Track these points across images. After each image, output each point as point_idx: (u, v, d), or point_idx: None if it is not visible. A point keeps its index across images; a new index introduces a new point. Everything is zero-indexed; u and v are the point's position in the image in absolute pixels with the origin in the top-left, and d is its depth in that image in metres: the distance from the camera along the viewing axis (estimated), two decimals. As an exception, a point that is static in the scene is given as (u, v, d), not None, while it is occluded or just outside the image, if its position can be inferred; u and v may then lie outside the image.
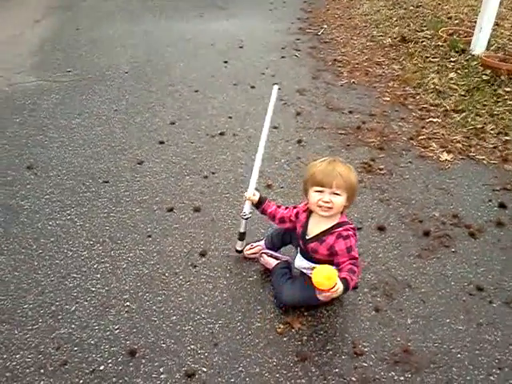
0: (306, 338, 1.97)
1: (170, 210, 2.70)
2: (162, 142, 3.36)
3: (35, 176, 2.97)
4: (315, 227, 1.97)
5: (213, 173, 3.04)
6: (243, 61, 4.80)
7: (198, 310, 2.09)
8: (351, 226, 1.95)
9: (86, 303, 2.11)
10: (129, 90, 4.11)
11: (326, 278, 1.75)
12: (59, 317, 2.05)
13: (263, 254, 2.29)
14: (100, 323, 2.02)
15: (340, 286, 1.77)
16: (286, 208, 2.16)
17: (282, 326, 2.01)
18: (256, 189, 2.29)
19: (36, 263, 2.32)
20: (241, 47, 5.15)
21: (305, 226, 2.01)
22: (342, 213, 1.96)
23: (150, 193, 2.84)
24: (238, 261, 2.36)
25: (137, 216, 2.65)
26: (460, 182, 2.96)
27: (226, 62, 4.78)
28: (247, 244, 2.38)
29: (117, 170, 3.04)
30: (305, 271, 2.08)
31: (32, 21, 5.84)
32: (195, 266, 2.32)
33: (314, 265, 1.92)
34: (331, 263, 1.91)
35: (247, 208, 2.26)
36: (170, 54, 4.92)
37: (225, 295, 2.17)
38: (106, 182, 2.92)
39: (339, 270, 1.87)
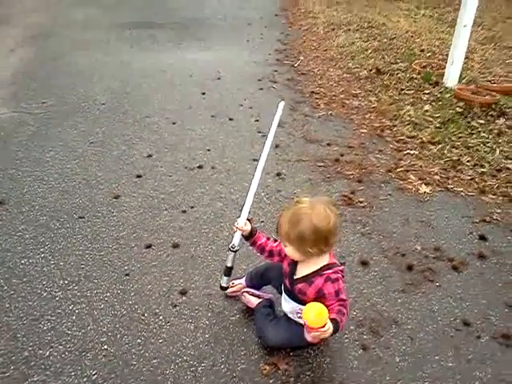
0: (293, 379, 1.91)
1: (148, 246, 2.63)
2: (139, 176, 3.29)
3: (6, 212, 2.86)
4: (304, 267, 1.91)
5: (191, 207, 2.98)
6: (221, 92, 4.80)
7: (179, 353, 2.01)
8: (340, 268, 1.89)
9: (60, 347, 2.02)
10: (105, 122, 4.05)
11: (317, 315, 1.69)
12: (32, 363, 1.95)
13: (244, 293, 2.23)
14: (76, 369, 1.93)
15: (330, 327, 1.72)
16: (276, 241, 2.07)
17: (267, 367, 1.95)
18: (247, 219, 2.13)
19: (7, 305, 2.21)
20: (218, 78, 5.16)
21: (293, 265, 1.94)
22: (330, 254, 1.91)
23: (127, 228, 2.76)
24: (220, 299, 2.29)
25: (114, 253, 2.57)
26: (440, 215, 2.97)
27: (203, 93, 4.76)
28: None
29: (92, 205, 2.96)
30: (291, 316, 2.01)
31: (7, 50, 5.75)
32: (175, 306, 2.24)
33: (301, 306, 1.86)
34: None
35: (237, 239, 2.10)
36: (147, 85, 4.89)
37: (207, 336, 2.09)
38: (82, 218, 2.84)
39: (329, 311, 1.82)
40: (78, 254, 2.56)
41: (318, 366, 1.96)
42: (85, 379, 1.88)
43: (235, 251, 2.13)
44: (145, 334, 2.09)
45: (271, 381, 1.90)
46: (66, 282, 2.36)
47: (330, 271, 1.85)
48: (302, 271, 1.91)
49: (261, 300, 2.18)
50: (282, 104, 2.58)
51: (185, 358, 1.98)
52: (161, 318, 2.18)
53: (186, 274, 2.44)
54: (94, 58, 5.59)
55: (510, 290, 2.40)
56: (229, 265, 2.17)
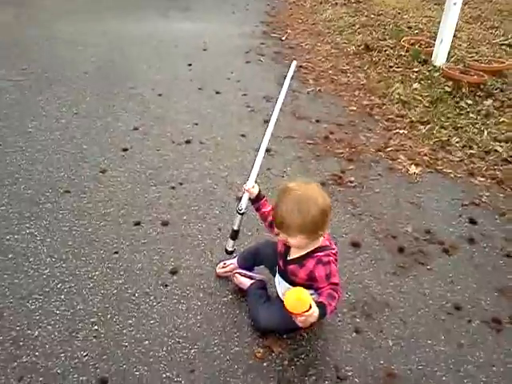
0: (286, 362, 1.89)
1: (137, 223, 2.56)
2: (125, 149, 3.20)
3: (-12, 185, 2.76)
4: (297, 249, 1.87)
5: (180, 183, 2.92)
6: (207, 64, 4.69)
7: (171, 334, 1.97)
8: (333, 250, 1.85)
9: (49, 327, 1.96)
10: (89, 92, 3.91)
11: (297, 301, 1.66)
12: (21, 343, 1.89)
13: (236, 274, 2.20)
14: (66, 350, 1.88)
15: (316, 311, 1.68)
16: None
17: (261, 351, 1.93)
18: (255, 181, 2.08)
19: (-8, 283, 2.14)
20: (204, 50, 5.03)
21: (287, 246, 1.90)
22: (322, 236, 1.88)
23: (115, 205, 2.69)
24: (211, 279, 2.26)
25: (102, 230, 2.50)
26: (430, 197, 2.98)
27: (189, 64, 4.65)
28: (220, 261, 2.29)
29: (78, 179, 2.87)
30: (281, 296, 1.98)
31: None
32: (166, 286, 2.20)
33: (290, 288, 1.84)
34: (311, 287, 1.84)
35: (244, 202, 2.05)
36: (133, 54, 4.75)
37: (199, 317, 2.06)
38: (68, 192, 2.75)
39: (318, 295, 1.81)
40: (64, 230, 2.48)
41: (312, 350, 1.96)
42: (76, 360, 1.84)
43: (242, 214, 2.09)
44: (136, 314, 2.05)
45: (265, 364, 1.88)
46: (54, 259, 2.30)
47: (321, 253, 1.81)
48: (295, 252, 1.87)
49: (253, 281, 2.16)
50: (294, 64, 2.52)
51: (177, 339, 1.95)
52: (152, 298, 2.14)
53: (177, 252, 2.40)
54: (77, 26, 5.39)
55: (499, 274, 2.43)
56: (235, 228, 2.12)
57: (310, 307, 1.65)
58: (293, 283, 1.89)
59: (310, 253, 1.83)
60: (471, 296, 2.28)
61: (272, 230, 2.02)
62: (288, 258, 1.90)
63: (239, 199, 2.12)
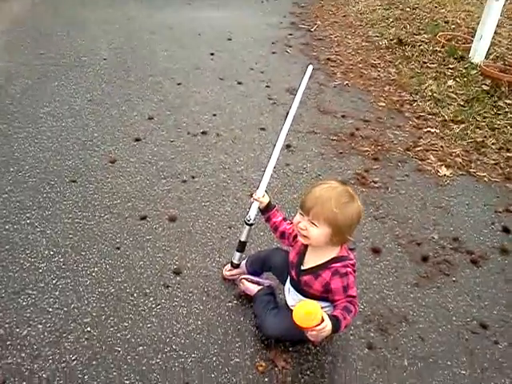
0: (290, 378, 1.72)
1: (143, 218, 2.42)
2: (138, 139, 3.06)
3: (-8, 171, 2.66)
4: (312, 257, 1.71)
5: (192, 177, 2.77)
6: (231, 54, 4.52)
7: (168, 340, 1.82)
8: (351, 261, 1.68)
9: (40, 326, 1.83)
10: (106, 79, 3.79)
11: (307, 315, 1.50)
12: (8, 342, 1.77)
13: (243, 280, 2.03)
14: (55, 352, 1.74)
15: (328, 324, 1.52)
16: (291, 223, 1.86)
17: (263, 364, 1.76)
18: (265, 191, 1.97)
19: (-15, 275, 2.03)
20: (229, 39, 4.86)
21: (301, 254, 1.74)
22: (341, 245, 1.70)
23: (121, 197, 2.55)
24: (217, 282, 2.10)
25: (105, 223, 2.36)
26: (460, 201, 2.75)
27: (212, 54, 4.49)
28: (226, 264, 2.13)
29: (86, 168, 2.74)
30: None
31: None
32: (168, 287, 2.05)
33: (303, 299, 1.67)
34: (326, 300, 1.68)
35: (253, 212, 1.95)
36: (154, 41, 4.61)
37: (200, 323, 1.90)
38: (74, 182, 2.62)
39: (334, 308, 1.65)
40: (66, 221, 2.35)
41: (319, 366, 1.77)
42: (63, 364, 1.70)
43: (251, 225, 1.97)
44: (132, 316, 1.90)
45: (266, 379, 1.71)
46: (52, 252, 2.17)
47: (338, 264, 1.66)
48: (310, 262, 1.72)
49: (261, 287, 1.99)
50: (310, 68, 2.40)
51: (174, 346, 1.80)
52: (151, 299, 1.99)
53: (182, 251, 2.25)
54: (98, 13, 5.29)
55: (532, 290, 2.20)
56: (242, 239, 2.00)
57: (323, 320, 1.51)
58: (306, 294, 1.73)
59: (327, 263, 1.68)
60: (499, 313, 2.06)
61: (283, 240, 1.89)
62: (302, 268, 1.74)
63: (250, 206, 1.98)
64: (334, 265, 1.66)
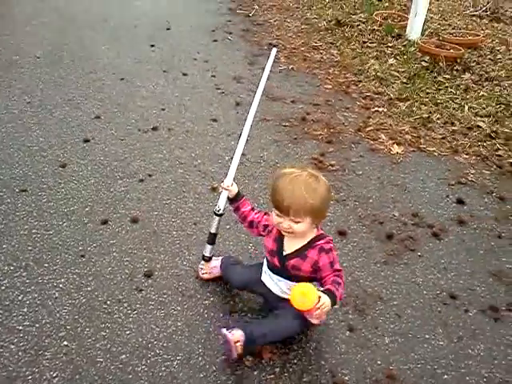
0: (278, 369, 1.72)
1: (104, 222, 2.33)
2: (86, 140, 2.93)
3: None
4: (293, 241, 1.72)
5: (149, 175, 2.69)
6: (172, 44, 4.41)
7: (150, 345, 1.77)
8: (330, 237, 1.74)
9: (12, 347, 1.73)
10: (43, 79, 3.60)
11: (303, 297, 1.53)
12: (-21, 368, 1.66)
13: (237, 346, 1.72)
14: (33, 371, 1.66)
15: (326, 299, 1.56)
16: (258, 212, 1.87)
17: (250, 358, 1.74)
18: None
19: None
20: (168, 29, 4.74)
21: (279, 241, 1.75)
22: (317, 226, 1.73)
23: (78, 202, 2.45)
24: (190, 280, 2.06)
25: (65, 231, 2.26)
26: (415, 177, 2.83)
27: (152, 45, 4.36)
28: (197, 261, 2.10)
29: (36, 175, 2.60)
30: (283, 295, 1.80)
31: None
32: (141, 290, 1.99)
33: (295, 283, 1.67)
34: (313, 280, 1.72)
35: (222, 201, 1.91)
36: (89, 36, 4.42)
37: (179, 324, 1.86)
38: (24, 191, 2.48)
39: (323, 284, 1.69)
40: (23, 233, 2.23)
41: (305, 353, 1.79)
42: (45, 383, 1.62)
43: (220, 215, 1.93)
44: (109, 325, 1.84)
45: (255, 372, 1.70)
46: (12, 267, 2.05)
47: (321, 241, 1.71)
48: (292, 246, 1.73)
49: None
50: (274, 51, 2.37)
51: (157, 351, 1.75)
52: (125, 305, 1.92)
53: (150, 252, 2.19)
54: (24, 5, 5.00)
55: (492, 257, 2.30)
56: (212, 231, 1.96)
57: (320, 298, 1.54)
58: (295, 278, 1.74)
59: (310, 243, 1.71)
60: (466, 283, 2.15)
61: (252, 229, 1.90)
62: (285, 254, 1.75)
63: (218, 196, 1.94)
64: (317, 243, 1.70)
